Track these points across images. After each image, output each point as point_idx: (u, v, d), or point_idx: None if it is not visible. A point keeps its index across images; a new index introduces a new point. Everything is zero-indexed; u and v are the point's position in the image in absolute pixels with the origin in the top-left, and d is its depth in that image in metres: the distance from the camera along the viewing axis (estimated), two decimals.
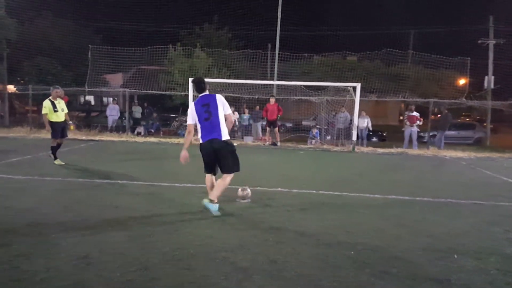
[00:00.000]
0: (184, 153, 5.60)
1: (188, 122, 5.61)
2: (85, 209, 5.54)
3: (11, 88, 24.80)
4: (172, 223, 5.07)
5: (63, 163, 9.31)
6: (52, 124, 9.30)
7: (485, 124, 22.40)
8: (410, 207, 6.40)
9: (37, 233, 4.46)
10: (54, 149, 9.43)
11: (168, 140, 16.05)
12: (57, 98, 9.48)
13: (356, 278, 3.64)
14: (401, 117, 32.24)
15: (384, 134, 22.12)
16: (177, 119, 22.17)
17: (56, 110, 9.34)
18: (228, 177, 5.46)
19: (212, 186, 5.58)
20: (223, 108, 5.43)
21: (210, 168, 5.59)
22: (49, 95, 9.64)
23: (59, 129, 9.45)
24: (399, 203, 6.69)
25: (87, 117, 24.21)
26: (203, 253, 4.09)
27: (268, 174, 9.04)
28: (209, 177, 5.68)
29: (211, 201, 5.33)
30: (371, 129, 17.25)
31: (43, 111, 9.26)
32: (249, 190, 6.42)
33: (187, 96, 16.32)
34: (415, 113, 15.63)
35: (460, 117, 33.22)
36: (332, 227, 5.14)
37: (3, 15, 19.22)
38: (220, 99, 5.47)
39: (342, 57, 25.84)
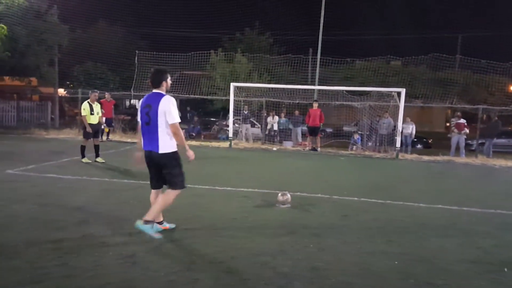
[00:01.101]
0: (137, 155, 4.71)
1: (138, 119, 4.66)
2: (131, 209, 5.72)
3: (61, 91, 26.11)
4: (213, 226, 5.14)
5: (90, 161, 9.87)
6: (89, 125, 9.79)
7: None
8: (457, 218, 6.14)
9: (86, 232, 4.66)
10: (83, 149, 9.97)
11: (208, 143, 16.30)
12: (95, 102, 10.00)
13: (399, 287, 3.54)
14: (448, 124, 31.10)
15: (430, 141, 21.42)
16: (217, 123, 22.51)
17: (92, 113, 9.92)
18: (171, 193, 4.54)
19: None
20: (165, 116, 4.33)
21: (153, 182, 4.70)
22: (99, 98, 10.15)
23: (93, 131, 9.97)
24: (445, 213, 6.43)
25: (132, 120, 25.04)
26: (243, 257, 4.12)
27: (308, 180, 8.98)
28: (153, 193, 4.72)
29: (146, 222, 4.39)
30: (413, 135, 16.71)
31: (83, 113, 9.80)
32: (289, 195, 6.40)
33: (228, 100, 16.52)
34: (462, 120, 15.01)
35: (510, 125, 31.61)
36: (375, 235, 5.03)
37: (56, 21, 20.27)
38: (165, 104, 4.34)
39: (386, 62, 25.31)
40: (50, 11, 19.79)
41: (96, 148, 10.11)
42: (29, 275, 3.48)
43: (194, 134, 19.71)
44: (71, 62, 23.75)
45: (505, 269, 4.05)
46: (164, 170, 4.53)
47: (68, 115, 30.26)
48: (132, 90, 19.05)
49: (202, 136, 20.02)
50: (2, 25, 16.44)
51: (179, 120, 4.44)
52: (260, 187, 7.58)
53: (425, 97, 19.94)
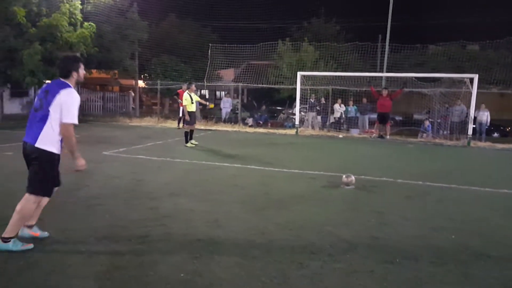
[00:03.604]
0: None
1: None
2: (210, 186, 6.50)
3: (140, 83, 28.16)
4: (283, 201, 5.74)
5: (197, 143, 11.21)
6: (189, 113, 10.96)
7: None
8: None
9: (177, 201, 5.48)
10: (188, 135, 11.18)
11: (275, 131, 16.93)
12: (193, 92, 11.19)
13: (454, 257, 3.89)
14: None
15: (507, 129, 20.29)
16: (283, 112, 23.08)
17: (192, 102, 11.08)
18: (31, 199, 3.67)
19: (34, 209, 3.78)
20: (61, 111, 3.58)
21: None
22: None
23: (193, 117, 11.28)
24: (510, 197, 6.48)
25: (203, 109, 26.40)
26: (311, 226, 4.67)
27: (373, 165, 9.27)
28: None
29: (4, 239, 3.61)
30: (488, 123, 16.05)
31: (184, 103, 11.00)
32: (353, 177, 6.80)
33: (294, 89, 16.98)
34: None
35: None
36: (436, 214, 5.33)
37: (137, 18, 21.96)
38: (65, 96, 3.60)
39: (461, 47, 24.15)
40: (131, 9, 21.46)
41: (191, 132, 11.30)
42: (136, 232, 4.30)
43: (261, 122, 20.46)
44: (149, 55, 25.52)
45: None
46: (30, 169, 3.72)
47: (146, 105, 32.56)
48: (205, 80, 20.16)
49: (269, 124, 20.71)
50: (91, 23, 18.22)
51: (76, 122, 3.64)
52: (326, 170, 8.04)
53: (504, 83, 18.89)
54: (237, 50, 20.91)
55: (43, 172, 3.67)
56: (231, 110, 20.64)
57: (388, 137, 15.10)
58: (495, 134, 18.98)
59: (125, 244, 3.95)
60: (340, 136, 15.82)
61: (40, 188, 3.70)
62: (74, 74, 3.78)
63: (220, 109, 20.98)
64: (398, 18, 21.80)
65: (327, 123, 18.25)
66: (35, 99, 3.81)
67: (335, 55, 22.33)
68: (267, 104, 25.11)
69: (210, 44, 20.64)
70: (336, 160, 9.81)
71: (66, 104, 3.59)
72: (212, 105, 15.43)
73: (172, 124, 17.71)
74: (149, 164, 8.32)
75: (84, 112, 21.36)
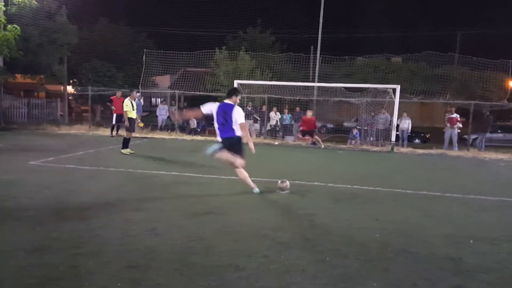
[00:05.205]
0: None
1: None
2: (147, 194, 6.45)
3: (69, 89, 26.87)
4: (221, 206, 5.86)
5: (133, 152, 11.06)
6: (130, 120, 10.87)
7: None
8: (439, 201, 6.84)
9: (112, 211, 5.39)
10: (126, 141, 11.03)
11: (213, 138, 16.96)
12: (134, 99, 11.05)
13: (378, 254, 4.24)
14: None
15: (428, 135, 22.05)
16: None
17: (133, 109, 10.97)
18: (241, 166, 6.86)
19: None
20: (237, 120, 6.51)
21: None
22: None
23: (133, 125, 11.17)
24: (429, 198, 7.13)
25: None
26: (248, 230, 4.84)
27: (306, 170, 9.69)
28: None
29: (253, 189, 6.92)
30: (410, 130, 17.39)
31: (125, 109, 10.79)
32: (288, 182, 7.10)
33: None
34: (454, 115, 15.71)
35: (510, 120, 32.12)
36: (362, 215, 5.74)
37: (65, 21, 21.01)
38: (237, 112, 6.54)
39: (386, 59, 25.92)
40: (59, 12, 20.51)
41: (129, 139, 11.17)
42: (69, 243, 4.19)
43: (199, 130, 20.41)
44: (79, 60, 24.47)
45: (471, 241, 4.75)
46: (234, 151, 6.65)
47: (76, 112, 31.07)
48: (140, 87, 19.74)
49: (207, 131, 20.71)
50: (16, 26, 17.15)
51: (244, 122, 6.60)
52: (262, 176, 8.24)
53: (424, 93, 20.54)
54: (174, 56, 20.74)
55: (243, 148, 6.73)
56: (168, 117, 20.37)
57: (322, 146, 15.56)
58: (416, 140, 20.54)
59: (59, 255, 3.84)
60: (276, 143, 16.27)
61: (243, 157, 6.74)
62: (234, 97, 6.70)
63: (156, 117, 20.62)
64: (328, 31, 22.99)
65: (263, 131, 18.66)
66: (217, 114, 6.66)
67: (271, 65, 22.94)
68: None
69: (145, 50, 20.29)
70: (271, 166, 10.10)
71: (238, 115, 6.52)
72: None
73: (105, 132, 17.11)
74: (81, 173, 8.04)
75: (7, 120, 19.98)
